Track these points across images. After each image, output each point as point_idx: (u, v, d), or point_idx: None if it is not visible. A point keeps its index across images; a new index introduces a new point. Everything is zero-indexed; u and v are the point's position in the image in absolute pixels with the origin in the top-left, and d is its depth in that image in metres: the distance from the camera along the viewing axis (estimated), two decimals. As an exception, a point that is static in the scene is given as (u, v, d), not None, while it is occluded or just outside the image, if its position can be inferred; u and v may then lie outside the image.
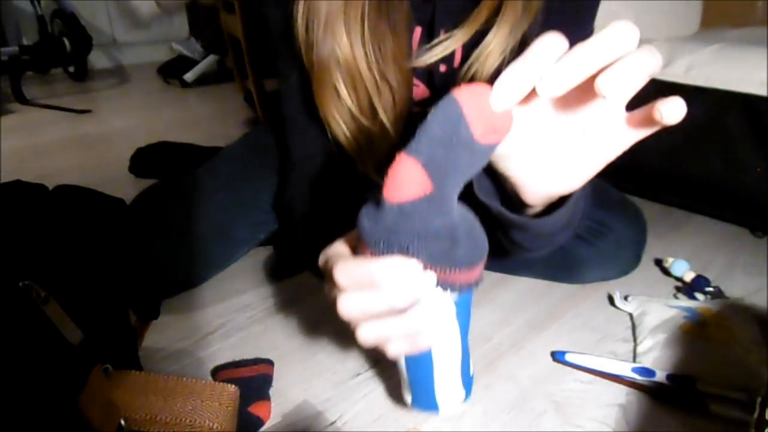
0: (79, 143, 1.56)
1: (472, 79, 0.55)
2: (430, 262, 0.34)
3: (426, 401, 0.45)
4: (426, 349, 0.37)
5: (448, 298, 0.37)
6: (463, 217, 0.35)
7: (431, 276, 0.34)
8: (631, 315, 0.69)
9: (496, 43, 0.53)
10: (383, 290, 0.34)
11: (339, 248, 0.39)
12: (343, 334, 0.67)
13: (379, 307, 0.34)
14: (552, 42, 0.29)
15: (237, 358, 0.62)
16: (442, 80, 0.61)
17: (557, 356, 0.61)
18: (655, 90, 0.90)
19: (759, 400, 0.38)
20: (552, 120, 0.36)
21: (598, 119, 0.35)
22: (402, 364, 0.43)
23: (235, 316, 0.71)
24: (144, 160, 1.24)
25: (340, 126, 0.58)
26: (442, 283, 0.35)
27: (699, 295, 0.72)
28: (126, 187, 1.07)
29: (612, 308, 0.71)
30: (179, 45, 2.40)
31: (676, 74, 0.88)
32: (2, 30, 2.29)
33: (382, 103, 0.57)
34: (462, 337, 0.41)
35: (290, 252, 0.84)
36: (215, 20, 1.86)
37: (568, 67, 0.28)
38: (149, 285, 0.69)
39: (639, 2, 0.99)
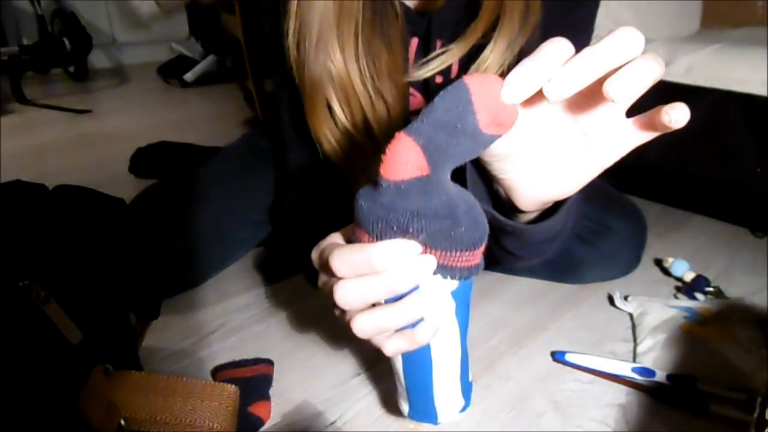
0: (79, 143, 1.56)
1: None
2: (430, 243, 0.33)
3: (424, 409, 0.43)
4: (424, 344, 0.36)
5: (447, 291, 0.36)
6: (462, 196, 0.34)
7: (431, 259, 0.33)
8: (631, 315, 0.69)
9: (493, 58, 0.53)
10: (382, 275, 0.33)
11: (334, 239, 0.38)
12: (343, 335, 0.67)
13: (378, 293, 0.33)
14: (561, 45, 0.29)
15: (237, 358, 0.62)
16: (438, 91, 0.61)
17: (557, 356, 0.61)
18: (655, 90, 0.90)
19: (759, 400, 0.38)
20: (553, 123, 0.36)
21: (599, 124, 0.36)
22: (399, 368, 0.42)
23: (235, 316, 0.71)
24: (144, 160, 1.24)
25: (332, 144, 0.58)
26: (442, 269, 0.34)
27: (699, 295, 0.72)
28: (126, 187, 1.07)
29: (612, 308, 0.71)
30: (179, 45, 2.40)
31: (676, 74, 0.88)
32: (2, 30, 2.29)
33: (376, 119, 0.56)
34: (461, 337, 0.40)
35: (285, 258, 0.84)
36: (215, 20, 1.86)
37: (576, 70, 0.28)
38: (149, 285, 0.69)
39: (639, 2, 0.99)
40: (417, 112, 0.65)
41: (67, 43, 2.21)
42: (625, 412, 0.54)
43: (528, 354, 0.63)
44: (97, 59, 2.66)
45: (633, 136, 0.35)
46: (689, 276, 0.75)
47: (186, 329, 0.68)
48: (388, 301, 0.35)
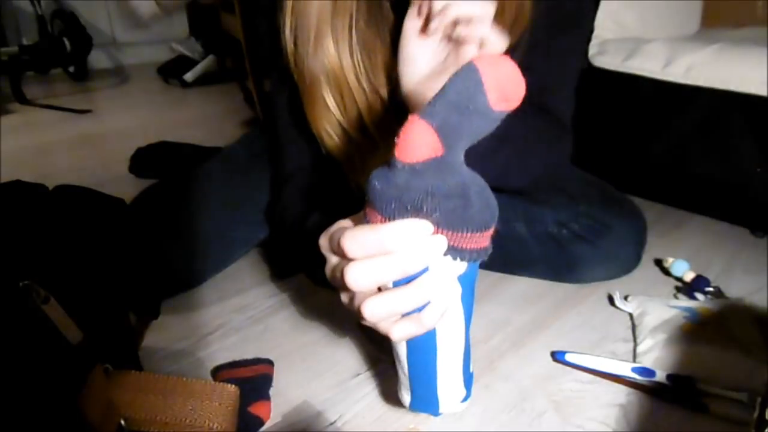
0: (79, 143, 1.56)
1: None
2: (442, 222, 0.33)
3: (426, 399, 0.44)
4: (431, 327, 0.36)
5: (455, 275, 0.36)
6: (474, 178, 0.34)
7: (442, 239, 0.34)
8: (631, 315, 0.69)
9: None
10: (394, 255, 0.33)
11: (343, 224, 0.38)
12: (343, 335, 0.67)
13: (390, 273, 0.33)
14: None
15: (237, 358, 0.62)
16: None
17: (557, 356, 0.61)
18: (655, 90, 0.91)
19: (759, 400, 0.38)
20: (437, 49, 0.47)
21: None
22: (403, 355, 0.42)
23: (235, 316, 0.71)
24: (144, 160, 1.24)
25: (333, 139, 0.58)
26: (452, 251, 0.34)
27: (699, 295, 0.72)
28: (126, 187, 1.06)
29: (612, 308, 0.71)
30: (179, 45, 2.40)
31: (676, 74, 0.88)
32: (2, 30, 2.29)
33: (372, 116, 0.57)
34: (466, 325, 0.40)
35: (283, 258, 0.84)
36: (215, 20, 1.86)
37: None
38: (149, 285, 0.69)
39: (639, 2, 0.99)
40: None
41: (67, 43, 2.20)
42: (625, 412, 0.54)
43: (528, 354, 0.63)
44: (97, 59, 2.65)
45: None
46: (689, 276, 0.75)
47: (186, 329, 0.68)
48: (396, 285, 0.35)
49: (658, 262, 0.81)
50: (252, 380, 0.56)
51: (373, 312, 0.34)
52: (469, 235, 0.34)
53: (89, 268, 0.57)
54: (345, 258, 0.34)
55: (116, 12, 2.69)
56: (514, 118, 0.53)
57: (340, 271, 0.34)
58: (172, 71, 2.33)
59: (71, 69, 2.39)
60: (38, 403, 0.40)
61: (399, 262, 0.33)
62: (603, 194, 0.77)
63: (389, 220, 0.34)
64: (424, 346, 0.40)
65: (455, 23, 0.43)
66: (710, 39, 0.91)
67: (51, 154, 1.45)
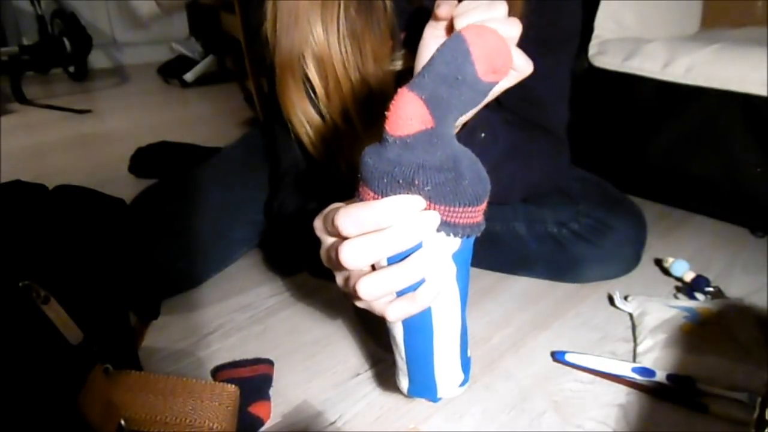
0: (79, 143, 1.56)
1: None
2: (434, 196, 0.33)
3: (424, 384, 0.43)
4: (426, 306, 0.36)
5: (449, 253, 0.36)
6: (465, 152, 0.34)
7: (435, 214, 0.34)
8: (631, 315, 0.69)
9: None
10: (387, 231, 0.33)
11: (337, 205, 0.38)
12: (343, 334, 0.67)
13: (384, 249, 0.33)
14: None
15: (237, 358, 0.62)
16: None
17: (557, 356, 0.61)
18: (655, 90, 0.91)
19: (759, 400, 0.38)
20: None
21: None
22: (400, 338, 0.41)
23: (235, 316, 0.71)
24: (144, 160, 1.24)
25: (304, 126, 0.58)
26: (446, 226, 0.34)
27: (699, 295, 0.72)
28: (126, 187, 1.07)
29: (612, 308, 0.71)
30: (179, 45, 2.40)
31: (676, 74, 0.88)
32: (2, 30, 2.29)
33: (356, 104, 0.57)
34: (462, 305, 0.40)
35: (283, 255, 0.84)
36: (215, 20, 1.86)
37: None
38: (149, 285, 0.69)
39: (639, 2, 0.99)
40: None
41: (67, 43, 2.21)
42: (625, 412, 0.54)
43: (528, 354, 0.63)
44: (97, 59, 2.66)
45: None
46: (689, 276, 0.75)
47: (186, 329, 0.68)
48: (390, 263, 0.35)
49: (658, 262, 0.81)
50: (252, 380, 0.56)
51: (368, 290, 0.34)
52: (461, 209, 0.34)
53: (89, 268, 0.57)
54: (339, 237, 0.35)
55: (116, 12, 2.69)
56: (517, 135, 0.53)
57: (334, 251, 0.34)
58: (172, 71, 2.33)
59: (71, 69, 2.40)
60: (38, 403, 0.40)
61: (392, 238, 0.33)
62: (603, 194, 0.77)
63: (382, 196, 0.34)
64: (420, 328, 0.40)
65: None
66: (710, 39, 0.91)
67: (51, 154, 1.45)
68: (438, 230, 0.34)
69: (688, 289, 0.74)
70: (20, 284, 0.44)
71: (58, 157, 1.42)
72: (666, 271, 0.79)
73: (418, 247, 0.34)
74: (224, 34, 1.68)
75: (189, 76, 2.27)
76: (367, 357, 0.63)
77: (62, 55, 2.23)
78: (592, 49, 0.99)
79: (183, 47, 2.38)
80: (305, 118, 0.57)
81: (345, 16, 0.54)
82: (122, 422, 0.44)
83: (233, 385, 0.50)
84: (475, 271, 0.80)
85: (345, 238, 0.34)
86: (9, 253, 0.49)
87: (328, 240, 0.37)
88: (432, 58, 0.31)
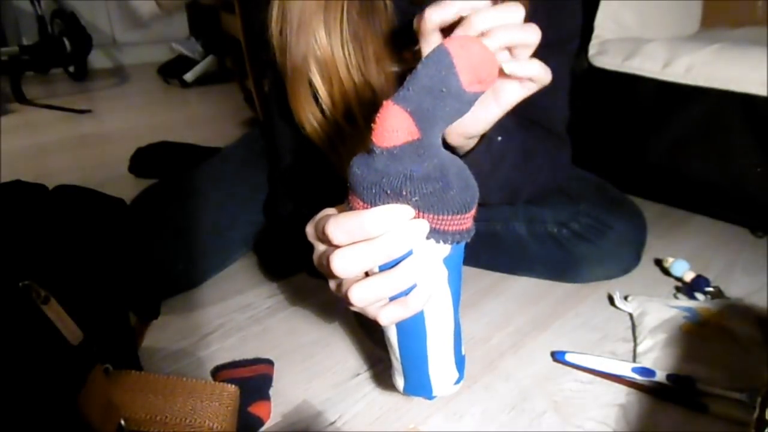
0: (79, 143, 1.56)
1: None
2: (422, 205, 0.34)
3: (419, 382, 0.44)
4: (418, 310, 0.36)
5: (440, 258, 0.36)
6: (453, 160, 0.35)
7: (424, 223, 0.34)
8: (631, 315, 0.69)
9: None
10: (377, 240, 0.33)
11: (328, 212, 0.39)
12: (342, 334, 0.67)
13: (374, 258, 0.34)
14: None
15: (237, 358, 0.62)
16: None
17: (557, 356, 0.61)
18: (655, 90, 0.91)
19: (759, 400, 0.38)
20: None
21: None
22: (394, 340, 0.42)
23: (235, 316, 0.71)
24: (144, 160, 1.24)
25: (315, 127, 0.58)
26: (435, 233, 0.35)
27: (699, 295, 0.72)
28: (126, 187, 1.07)
29: (612, 308, 0.71)
30: (179, 45, 2.40)
31: (676, 74, 0.88)
32: (2, 30, 2.29)
33: (361, 107, 0.57)
34: (454, 306, 0.40)
35: (278, 256, 0.84)
36: (215, 20, 1.86)
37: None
38: (149, 285, 0.69)
39: (639, 2, 0.99)
40: None
41: (67, 43, 2.20)
42: (625, 412, 0.54)
43: (528, 354, 0.63)
44: (97, 59, 2.65)
45: (519, 87, 0.43)
46: (689, 276, 0.75)
47: (186, 329, 0.68)
48: (382, 269, 0.35)
49: (658, 262, 0.81)
50: (252, 380, 0.56)
51: (360, 297, 0.35)
52: (450, 217, 0.34)
53: (89, 268, 0.57)
54: (330, 245, 0.35)
55: (116, 12, 2.69)
56: (525, 136, 0.54)
57: (326, 259, 0.35)
58: (172, 71, 2.32)
59: (71, 69, 2.39)
60: (38, 403, 0.40)
61: (382, 247, 0.34)
62: (603, 194, 0.77)
63: (371, 206, 0.34)
64: (413, 330, 0.40)
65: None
66: (710, 39, 0.91)
67: (51, 154, 1.45)
68: (427, 237, 0.35)
69: (688, 289, 0.74)
70: (20, 284, 0.44)
71: (58, 157, 1.42)
72: (666, 271, 0.79)
73: (409, 254, 0.35)
74: (224, 34, 1.67)
75: (189, 76, 2.27)
76: (367, 357, 0.63)
77: (62, 55, 2.23)
78: (592, 49, 0.99)
79: (183, 47, 2.38)
80: (315, 118, 0.58)
81: (347, 19, 0.55)
82: (122, 422, 0.44)
83: (233, 385, 0.50)
84: (475, 271, 0.80)
85: (336, 246, 0.34)
86: (9, 253, 0.49)
87: (320, 247, 0.38)
88: (416, 71, 0.32)
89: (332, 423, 0.53)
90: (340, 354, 0.63)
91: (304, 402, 0.56)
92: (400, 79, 0.59)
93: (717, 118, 0.85)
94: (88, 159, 1.40)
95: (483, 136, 0.52)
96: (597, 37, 0.99)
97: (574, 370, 0.60)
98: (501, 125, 0.52)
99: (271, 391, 0.57)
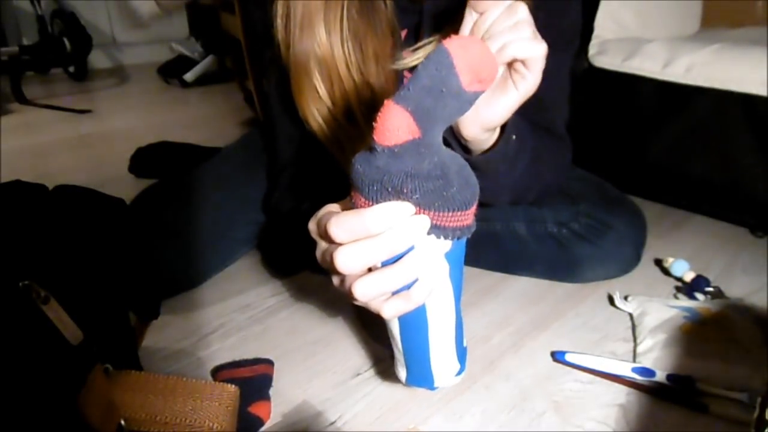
0: (79, 143, 1.56)
1: None
2: (423, 203, 0.34)
3: (421, 374, 0.45)
4: (420, 303, 0.37)
5: (441, 253, 0.37)
6: (454, 158, 0.35)
7: (425, 219, 0.35)
8: (631, 315, 0.69)
9: None
10: (380, 237, 0.34)
11: (330, 208, 0.39)
12: (343, 334, 0.67)
13: (376, 254, 0.35)
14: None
15: (237, 358, 0.62)
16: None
17: (557, 356, 0.61)
18: (655, 90, 0.91)
19: (759, 400, 0.38)
20: None
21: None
22: (396, 333, 0.43)
23: (235, 316, 0.71)
24: (144, 160, 1.24)
25: (319, 123, 0.59)
26: (436, 229, 0.35)
27: (699, 295, 0.72)
28: (126, 187, 1.07)
29: (612, 308, 0.71)
30: (179, 45, 2.40)
31: (676, 74, 0.88)
32: (2, 30, 2.29)
33: (360, 105, 0.57)
34: (455, 300, 0.41)
35: (281, 253, 0.84)
36: (215, 20, 1.86)
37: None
38: (149, 285, 0.69)
39: (639, 2, 0.99)
40: None
41: (67, 43, 2.20)
42: (625, 412, 0.54)
43: (528, 354, 0.63)
44: (97, 59, 2.66)
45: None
46: (689, 276, 0.75)
47: (186, 329, 0.68)
48: (384, 265, 0.36)
49: (658, 262, 0.81)
50: (252, 380, 0.56)
51: (363, 292, 0.35)
52: (450, 214, 0.35)
53: (89, 268, 0.57)
54: (333, 242, 0.36)
55: (116, 12, 2.69)
56: (533, 136, 0.55)
57: (329, 255, 0.35)
58: (172, 71, 2.33)
59: (71, 69, 2.40)
60: (38, 403, 0.40)
61: (385, 244, 0.34)
62: (603, 194, 0.77)
63: (373, 203, 0.35)
64: (415, 323, 0.41)
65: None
66: (710, 39, 0.91)
67: (51, 154, 1.45)
68: (429, 233, 0.35)
69: (688, 289, 0.74)
70: (20, 284, 0.44)
71: (58, 157, 1.42)
72: (666, 271, 0.78)
73: (411, 249, 0.35)
74: (224, 34, 1.67)
75: (189, 76, 2.27)
76: (367, 357, 0.63)
77: (62, 55, 2.23)
78: (592, 49, 0.99)
79: (183, 47, 2.38)
80: (320, 114, 0.58)
81: (347, 18, 0.55)
82: (122, 422, 0.44)
83: (233, 385, 0.50)
84: (475, 271, 0.80)
85: (339, 244, 0.35)
86: (9, 253, 0.49)
87: (323, 243, 0.38)
88: (417, 71, 0.32)
89: (332, 423, 0.53)
90: (341, 354, 0.63)
91: (304, 402, 0.56)
92: (401, 79, 0.59)
93: (717, 118, 0.85)
94: (88, 159, 1.40)
95: (500, 136, 0.52)
96: (597, 37, 0.99)
97: (574, 370, 0.60)
98: (514, 123, 0.52)
99: (271, 391, 0.57)
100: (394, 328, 0.43)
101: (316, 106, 0.58)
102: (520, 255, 0.76)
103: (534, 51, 0.42)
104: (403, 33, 0.60)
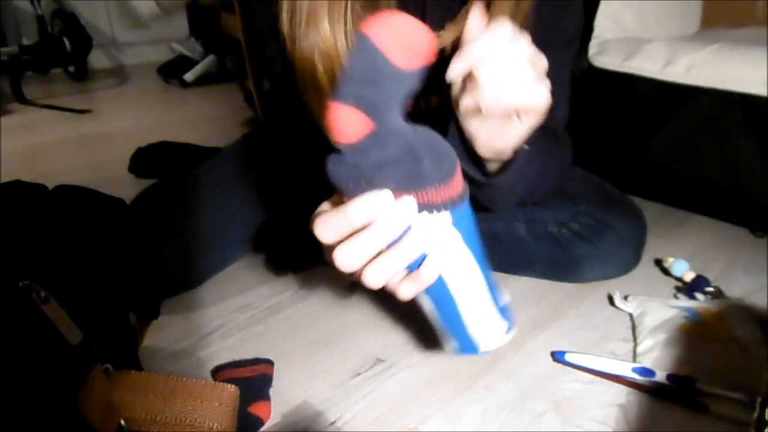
0: (79, 143, 1.56)
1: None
2: (401, 187, 0.34)
3: (463, 343, 0.45)
4: (431, 280, 0.38)
5: (447, 223, 0.37)
6: (420, 134, 0.35)
7: (409, 200, 0.35)
8: (631, 315, 0.69)
9: None
10: (370, 228, 0.35)
11: (323, 207, 0.40)
12: (343, 334, 0.67)
13: (373, 246, 0.35)
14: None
15: (237, 358, 0.62)
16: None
17: (557, 356, 0.61)
18: (655, 90, 0.91)
19: (759, 400, 0.38)
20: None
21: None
22: (428, 309, 0.43)
23: (235, 316, 0.71)
24: (144, 160, 1.24)
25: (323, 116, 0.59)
26: (426, 207, 0.35)
27: (699, 295, 0.72)
28: (126, 187, 1.07)
29: (612, 308, 0.71)
30: (179, 45, 2.40)
31: (676, 74, 0.88)
32: (2, 30, 2.29)
33: None
34: (479, 263, 0.41)
35: (290, 251, 0.84)
36: (215, 20, 1.86)
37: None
38: (149, 285, 0.69)
39: (639, 2, 0.99)
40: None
41: (67, 43, 2.20)
42: (625, 412, 0.54)
43: (528, 354, 0.63)
44: (97, 59, 2.65)
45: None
46: (689, 276, 0.75)
47: (186, 329, 0.68)
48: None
49: (658, 262, 0.81)
50: (252, 380, 0.56)
51: (373, 279, 0.36)
52: (433, 189, 0.35)
53: (89, 268, 0.57)
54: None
55: (116, 12, 2.69)
56: (539, 137, 0.55)
57: (330, 254, 0.36)
58: (172, 71, 2.33)
59: (71, 69, 2.40)
60: (38, 403, 0.40)
61: (376, 234, 0.35)
62: (603, 194, 0.77)
63: (353, 198, 0.35)
64: (441, 297, 0.41)
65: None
66: (710, 39, 0.91)
67: (51, 154, 1.45)
68: (420, 211, 0.35)
69: (688, 289, 0.74)
70: (20, 284, 0.44)
71: (58, 157, 1.42)
72: (666, 271, 0.78)
73: (408, 230, 0.36)
74: (224, 34, 1.68)
75: (189, 76, 2.27)
76: (367, 357, 0.63)
77: (62, 55, 2.23)
78: (592, 49, 0.99)
79: (183, 47, 2.38)
80: (324, 107, 0.58)
81: (352, 13, 0.55)
82: (122, 422, 0.44)
83: (233, 385, 0.50)
84: (475, 271, 0.79)
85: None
86: (9, 253, 0.49)
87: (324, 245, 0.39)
88: (347, 65, 0.32)
89: (332, 423, 0.53)
90: (340, 354, 0.63)
91: (304, 402, 0.56)
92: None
93: (717, 118, 0.85)
94: (88, 159, 1.40)
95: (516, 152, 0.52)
96: (597, 37, 0.99)
97: (574, 370, 0.60)
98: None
99: (271, 391, 0.57)
100: (426, 306, 0.43)
101: (321, 99, 0.58)
102: (520, 255, 0.76)
103: (535, 100, 0.41)
104: None
